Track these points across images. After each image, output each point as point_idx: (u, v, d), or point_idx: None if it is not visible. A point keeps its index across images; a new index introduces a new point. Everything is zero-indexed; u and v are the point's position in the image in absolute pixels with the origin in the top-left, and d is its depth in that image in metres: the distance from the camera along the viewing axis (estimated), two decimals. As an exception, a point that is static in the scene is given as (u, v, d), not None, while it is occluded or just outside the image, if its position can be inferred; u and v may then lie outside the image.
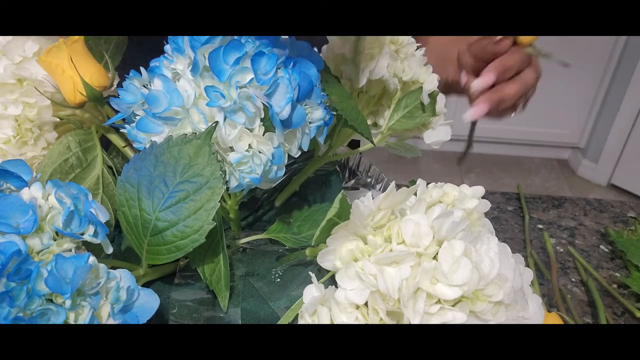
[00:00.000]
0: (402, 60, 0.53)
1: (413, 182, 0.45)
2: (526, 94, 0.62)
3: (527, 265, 0.58)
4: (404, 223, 0.32)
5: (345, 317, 0.33)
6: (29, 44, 0.45)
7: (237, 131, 0.38)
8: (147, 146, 0.40)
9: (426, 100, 0.52)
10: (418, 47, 0.55)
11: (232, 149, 0.40)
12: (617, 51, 2.12)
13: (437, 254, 0.31)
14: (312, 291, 0.35)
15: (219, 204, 0.39)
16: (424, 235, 0.31)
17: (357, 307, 0.33)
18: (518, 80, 0.60)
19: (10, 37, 0.44)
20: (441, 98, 0.55)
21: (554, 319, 0.45)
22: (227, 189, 0.43)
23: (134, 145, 0.42)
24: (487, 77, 0.58)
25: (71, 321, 0.32)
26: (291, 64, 0.40)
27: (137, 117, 0.41)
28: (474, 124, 0.64)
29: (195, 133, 0.40)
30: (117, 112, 0.43)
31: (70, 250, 0.35)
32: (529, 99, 0.66)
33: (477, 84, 0.57)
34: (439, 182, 0.38)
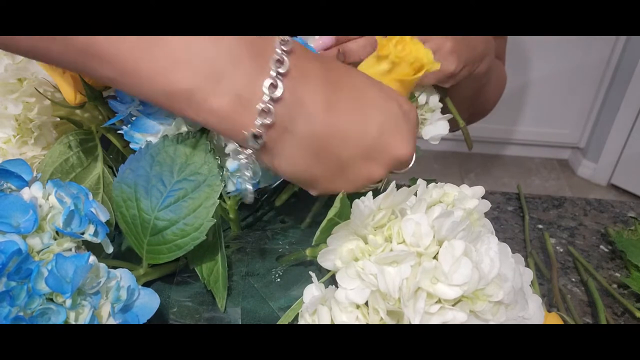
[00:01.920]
0: None
1: (413, 182, 0.45)
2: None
3: (527, 265, 0.58)
4: (404, 223, 0.32)
5: (346, 317, 0.33)
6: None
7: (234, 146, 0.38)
8: (143, 147, 0.41)
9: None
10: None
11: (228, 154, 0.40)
12: (617, 51, 2.12)
13: (437, 253, 0.31)
14: (313, 291, 0.35)
15: (218, 201, 0.39)
16: (424, 235, 0.31)
17: (358, 306, 0.33)
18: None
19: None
20: (433, 91, 0.55)
21: (554, 319, 0.45)
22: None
23: (131, 146, 0.42)
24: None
25: (71, 321, 0.32)
26: None
27: (134, 118, 0.41)
28: (466, 131, 0.60)
29: (190, 132, 0.40)
30: (116, 112, 0.43)
31: (71, 249, 0.35)
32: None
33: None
34: (439, 182, 0.38)
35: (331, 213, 0.35)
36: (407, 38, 0.42)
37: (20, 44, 0.31)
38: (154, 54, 0.30)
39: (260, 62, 0.31)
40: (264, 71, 0.31)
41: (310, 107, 0.32)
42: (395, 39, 0.41)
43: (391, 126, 0.35)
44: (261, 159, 0.35)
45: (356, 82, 0.36)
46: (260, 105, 0.31)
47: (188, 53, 0.30)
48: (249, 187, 0.37)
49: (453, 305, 0.30)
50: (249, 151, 0.33)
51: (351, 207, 0.34)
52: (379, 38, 0.42)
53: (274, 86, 0.31)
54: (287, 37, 0.32)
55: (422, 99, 0.52)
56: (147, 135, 0.41)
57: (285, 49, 0.31)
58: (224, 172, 0.40)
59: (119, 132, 0.43)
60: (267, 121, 0.31)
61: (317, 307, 0.34)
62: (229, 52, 0.30)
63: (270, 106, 0.31)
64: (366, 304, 0.33)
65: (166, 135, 0.40)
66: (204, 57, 0.30)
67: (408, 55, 0.41)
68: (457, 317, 0.30)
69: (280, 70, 0.31)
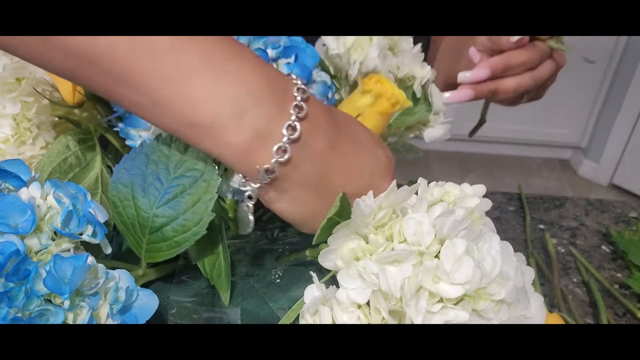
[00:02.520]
0: (396, 56, 0.53)
1: (413, 182, 0.45)
2: (536, 86, 0.59)
3: (529, 265, 0.58)
4: (405, 222, 0.32)
5: (347, 317, 0.32)
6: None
7: None
8: (137, 146, 0.41)
9: (419, 92, 0.52)
10: (427, 48, 0.54)
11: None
12: (619, 50, 2.12)
13: (439, 252, 0.31)
14: (314, 291, 0.35)
15: (216, 195, 0.39)
16: (425, 234, 0.31)
17: (359, 306, 0.33)
18: (525, 75, 0.57)
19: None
20: (441, 96, 0.55)
21: (555, 319, 0.45)
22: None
23: (127, 142, 0.42)
24: (479, 72, 0.55)
25: (70, 322, 0.32)
26: (292, 57, 0.41)
27: (128, 115, 0.41)
28: (487, 102, 0.62)
29: None
30: (115, 111, 0.43)
31: (69, 250, 0.34)
32: (546, 88, 0.63)
33: (464, 76, 0.55)
34: (440, 182, 0.37)
35: (331, 212, 0.35)
36: (384, 77, 0.48)
37: (56, 64, 0.33)
38: (183, 87, 0.32)
39: (281, 106, 0.34)
40: (283, 114, 0.34)
41: (317, 147, 0.36)
42: (375, 77, 0.48)
43: (379, 170, 0.39)
44: (266, 192, 0.37)
45: (354, 129, 0.40)
46: (278, 145, 0.34)
47: (215, 89, 0.33)
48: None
49: (455, 304, 0.30)
50: (257, 185, 0.36)
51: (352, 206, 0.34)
52: (363, 80, 0.48)
53: (292, 128, 0.34)
54: (301, 85, 0.35)
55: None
56: (140, 130, 0.41)
57: (303, 96, 0.35)
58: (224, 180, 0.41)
59: (115, 129, 0.43)
60: (282, 159, 0.34)
61: (319, 307, 0.34)
62: (253, 93, 0.33)
63: (288, 146, 0.34)
64: (367, 303, 0.32)
65: (160, 134, 0.40)
66: (230, 95, 0.33)
67: (386, 91, 0.46)
68: (459, 316, 0.30)
69: (300, 115, 0.34)
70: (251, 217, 0.39)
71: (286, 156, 0.34)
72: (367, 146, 0.39)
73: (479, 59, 0.57)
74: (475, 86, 0.55)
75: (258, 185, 0.36)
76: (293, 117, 0.34)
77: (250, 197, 0.38)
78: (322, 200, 0.37)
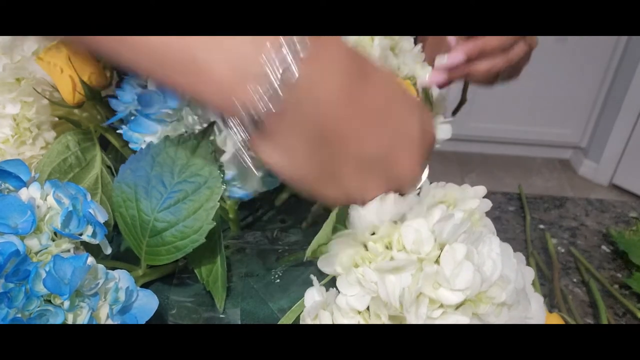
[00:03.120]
0: (397, 57, 0.53)
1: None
2: (509, 67, 0.60)
3: (528, 265, 0.58)
4: (404, 230, 0.31)
5: (347, 322, 0.32)
6: (28, 44, 0.45)
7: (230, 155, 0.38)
8: (143, 147, 0.40)
9: (419, 92, 0.52)
10: (415, 43, 0.55)
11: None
12: (619, 50, 2.12)
13: (439, 257, 0.31)
14: (314, 295, 0.34)
15: (218, 203, 0.39)
16: (425, 241, 0.30)
17: (359, 311, 0.32)
18: (497, 57, 0.58)
19: (9, 37, 0.44)
20: (442, 96, 0.55)
21: (555, 319, 0.45)
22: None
23: (130, 146, 0.42)
24: (454, 57, 0.55)
25: (69, 322, 0.32)
26: None
27: (132, 118, 0.41)
28: (467, 83, 0.63)
29: (192, 134, 0.40)
30: (115, 111, 0.43)
31: (69, 250, 0.34)
32: (520, 68, 0.64)
33: (441, 60, 0.55)
34: (440, 182, 0.37)
35: (331, 218, 0.34)
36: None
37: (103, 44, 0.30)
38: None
39: (272, 44, 0.28)
40: (273, 52, 0.28)
41: (319, 96, 0.29)
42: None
43: (405, 143, 0.32)
44: (257, 145, 0.30)
45: (384, 81, 0.32)
46: (266, 85, 0.28)
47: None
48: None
49: (456, 309, 0.30)
50: (245, 133, 0.30)
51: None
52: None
53: (286, 69, 0.28)
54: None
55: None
56: (146, 135, 0.40)
57: (303, 37, 0.28)
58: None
59: (117, 131, 0.43)
60: (269, 102, 0.28)
61: (319, 311, 0.33)
62: (240, 38, 0.28)
63: (277, 88, 0.28)
64: (368, 308, 0.32)
65: (167, 135, 0.40)
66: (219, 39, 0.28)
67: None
68: (460, 321, 0.29)
69: (295, 52, 0.28)
70: (253, 168, 0.33)
71: (273, 101, 0.28)
72: (397, 106, 0.32)
73: (455, 41, 0.58)
74: (449, 70, 0.56)
75: (246, 133, 0.30)
76: (289, 57, 0.28)
77: (244, 146, 0.31)
78: (319, 161, 0.31)
